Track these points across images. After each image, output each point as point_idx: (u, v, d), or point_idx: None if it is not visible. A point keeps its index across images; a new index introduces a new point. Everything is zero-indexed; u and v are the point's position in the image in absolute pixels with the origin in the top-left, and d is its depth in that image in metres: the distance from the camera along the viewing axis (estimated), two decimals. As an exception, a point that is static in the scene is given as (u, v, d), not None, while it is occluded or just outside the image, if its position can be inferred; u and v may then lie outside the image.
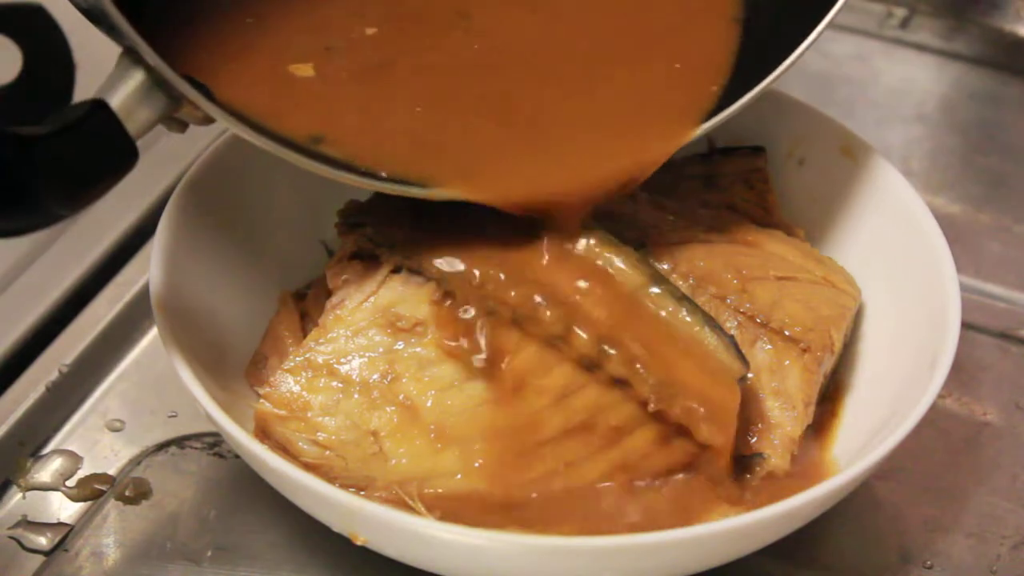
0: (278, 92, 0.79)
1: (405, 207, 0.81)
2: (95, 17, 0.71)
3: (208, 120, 0.74)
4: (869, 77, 1.17)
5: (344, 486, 0.76)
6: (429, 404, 0.78)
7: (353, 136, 0.79)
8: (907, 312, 0.85)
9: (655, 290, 0.79)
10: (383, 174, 0.78)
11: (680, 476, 0.78)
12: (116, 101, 0.71)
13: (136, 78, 0.71)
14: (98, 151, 0.71)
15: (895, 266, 0.88)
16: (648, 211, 0.86)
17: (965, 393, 0.91)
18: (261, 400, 0.79)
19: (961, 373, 0.90)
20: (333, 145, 0.78)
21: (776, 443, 0.79)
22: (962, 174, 1.09)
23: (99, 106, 0.70)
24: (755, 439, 0.79)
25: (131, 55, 0.71)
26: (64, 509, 0.83)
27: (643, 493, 0.78)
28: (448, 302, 0.78)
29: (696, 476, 0.78)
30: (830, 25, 0.82)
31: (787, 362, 0.81)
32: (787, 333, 0.82)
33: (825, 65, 1.17)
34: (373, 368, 0.78)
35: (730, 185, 0.91)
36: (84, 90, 0.88)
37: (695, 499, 0.77)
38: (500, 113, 0.81)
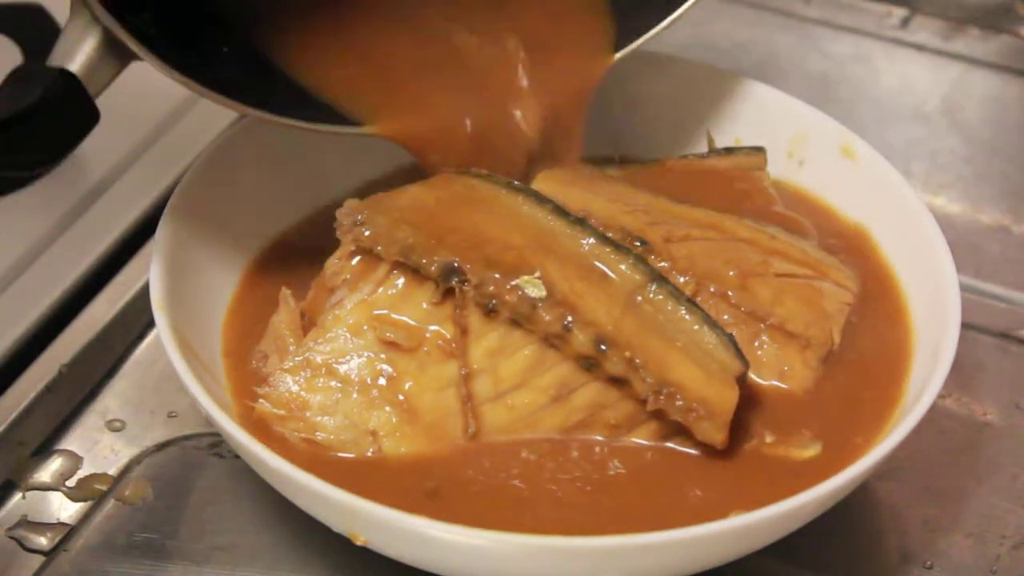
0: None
1: (407, 205, 0.81)
2: None
3: None
4: (869, 77, 1.17)
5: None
6: (428, 404, 0.78)
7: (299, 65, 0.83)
8: (907, 312, 0.86)
9: (654, 289, 0.79)
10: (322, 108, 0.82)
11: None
12: (77, 67, 0.73)
13: (91, 41, 0.73)
14: (65, 119, 0.73)
15: (895, 266, 0.88)
16: (648, 210, 0.86)
17: (965, 393, 0.91)
18: (260, 400, 0.79)
19: (961, 373, 0.90)
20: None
21: None
22: (962, 174, 1.09)
23: (65, 75, 0.72)
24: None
25: (83, 16, 0.73)
26: (64, 509, 0.83)
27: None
28: (447, 301, 0.78)
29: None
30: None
31: (787, 357, 0.82)
32: (788, 329, 0.82)
33: (825, 65, 1.17)
34: (372, 368, 0.78)
35: (730, 184, 0.91)
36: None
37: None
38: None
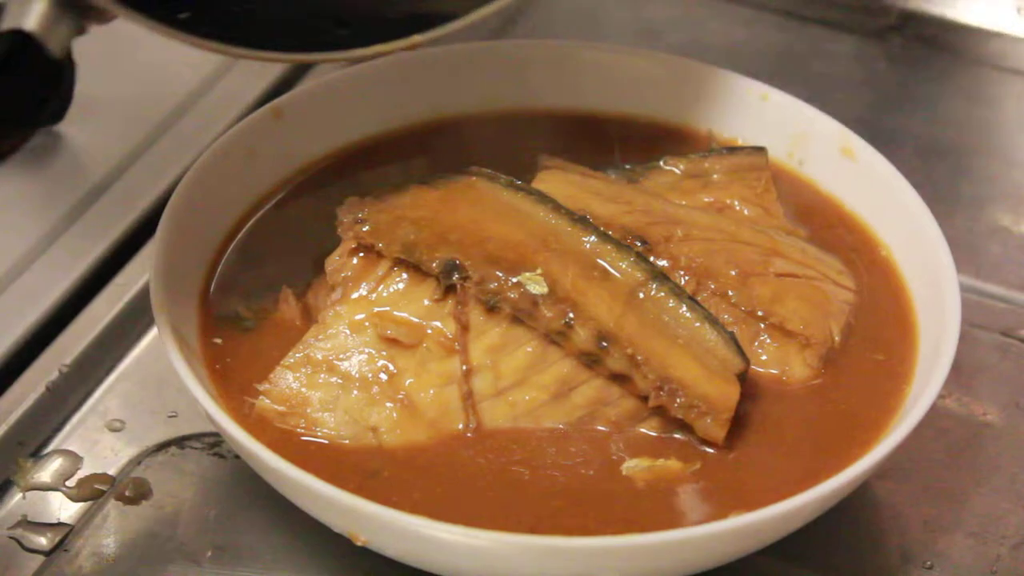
0: None
1: (408, 203, 0.81)
2: None
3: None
4: (868, 77, 1.17)
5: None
6: (429, 400, 0.78)
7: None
8: (907, 312, 0.86)
9: (655, 287, 0.79)
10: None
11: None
12: (32, 25, 0.69)
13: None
14: (27, 82, 0.70)
15: (895, 266, 0.88)
16: (648, 209, 0.86)
17: (965, 393, 0.91)
18: (261, 396, 0.79)
19: (961, 373, 0.90)
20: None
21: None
22: (962, 174, 1.09)
23: (19, 36, 0.69)
24: None
25: None
26: (64, 509, 0.83)
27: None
28: (448, 298, 0.79)
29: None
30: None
31: (787, 356, 0.82)
32: (788, 328, 0.82)
33: (824, 65, 1.17)
34: (372, 364, 0.78)
35: (730, 185, 0.91)
36: (84, 90, 0.88)
37: None
38: None
